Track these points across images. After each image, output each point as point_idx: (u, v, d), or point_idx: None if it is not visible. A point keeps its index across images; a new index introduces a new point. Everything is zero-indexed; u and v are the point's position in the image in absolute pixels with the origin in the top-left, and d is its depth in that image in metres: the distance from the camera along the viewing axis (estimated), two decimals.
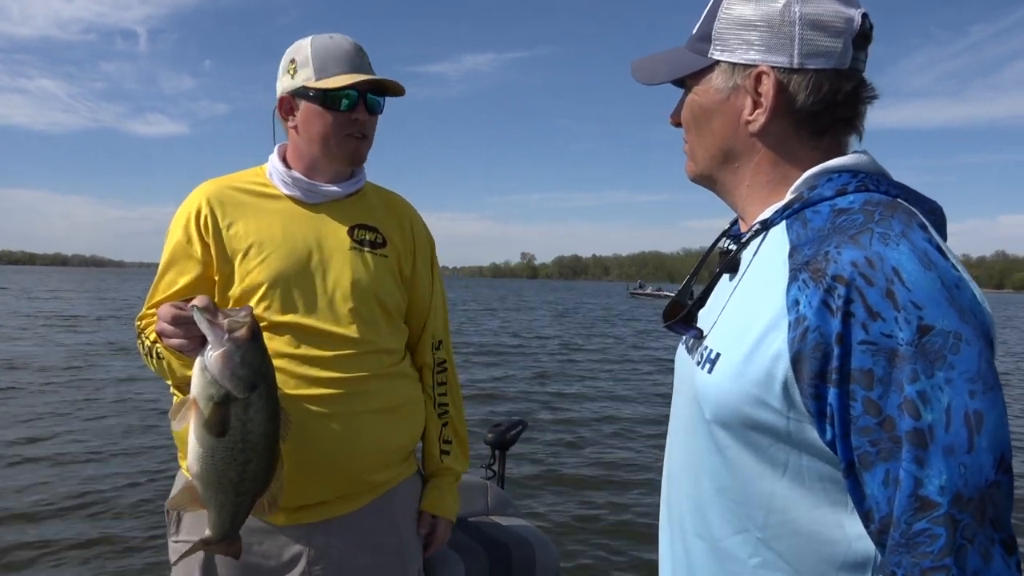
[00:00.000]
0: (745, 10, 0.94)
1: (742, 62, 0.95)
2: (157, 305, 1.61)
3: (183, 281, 1.67)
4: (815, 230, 0.88)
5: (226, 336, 1.32)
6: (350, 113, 1.69)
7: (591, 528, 5.22)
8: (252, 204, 1.72)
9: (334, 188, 1.76)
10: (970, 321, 0.77)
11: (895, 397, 0.75)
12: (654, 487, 5.79)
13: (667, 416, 1.15)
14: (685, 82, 1.05)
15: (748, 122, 0.96)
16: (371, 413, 1.68)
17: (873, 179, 0.92)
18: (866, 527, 0.80)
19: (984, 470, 0.73)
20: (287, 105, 1.75)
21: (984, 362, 0.75)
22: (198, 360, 1.35)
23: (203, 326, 1.33)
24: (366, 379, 1.68)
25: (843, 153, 0.97)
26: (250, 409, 1.35)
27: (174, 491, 1.76)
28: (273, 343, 1.58)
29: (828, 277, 0.80)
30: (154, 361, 1.62)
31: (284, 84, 1.74)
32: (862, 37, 0.93)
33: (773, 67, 0.93)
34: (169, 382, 1.67)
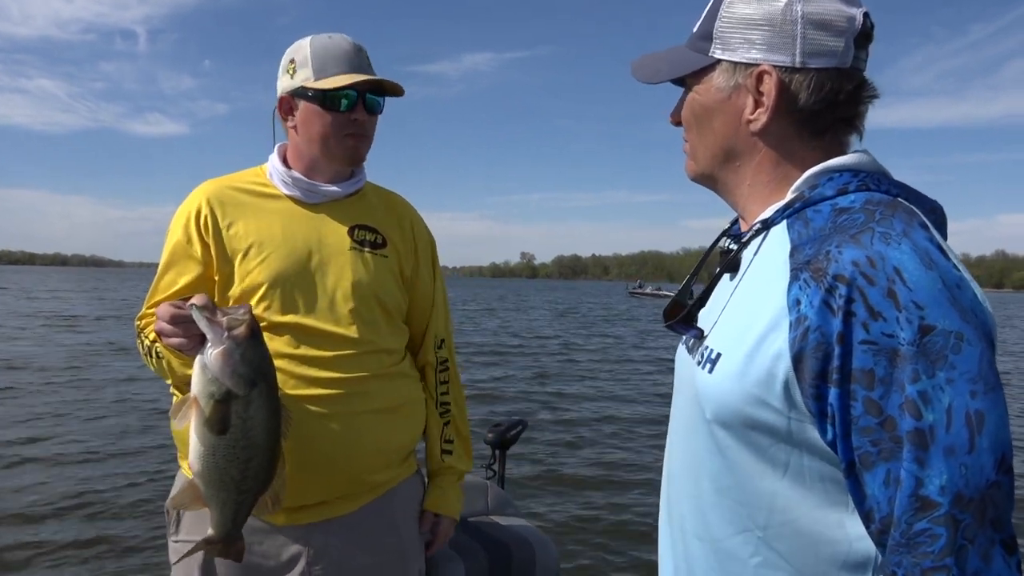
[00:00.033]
0: (747, 9, 0.94)
1: (744, 61, 0.95)
2: (157, 305, 1.60)
3: (183, 281, 1.67)
4: (816, 229, 0.88)
5: (225, 334, 1.32)
6: (349, 113, 1.69)
7: (591, 528, 5.22)
8: (252, 204, 1.72)
9: (334, 188, 1.76)
10: (971, 321, 0.77)
11: (896, 397, 0.75)
12: (654, 487, 5.79)
13: (667, 416, 1.15)
14: (685, 81, 1.04)
15: (749, 121, 0.96)
16: (371, 413, 1.68)
17: (874, 178, 0.92)
18: (866, 527, 0.80)
19: (985, 470, 0.73)
20: (287, 105, 1.75)
21: (985, 362, 0.75)
22: (198, 359, 1.34)
23: (202, 324, 1.33)
24: (366, 379, 1.68)
25: (844, 152, 0.97)
26: (251, 406, 1.35)
27: (174, 491, 1.76)
28: (273, 343, 1.58)
29: (829, 276, 0.80)
30: (153, 360, 1.62)
31: (284, 84, 1.74)
32: (863, 36, 0.93)
33: (775, 66, 0.93)
34: (169, 382, 1.67)
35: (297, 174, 1.74)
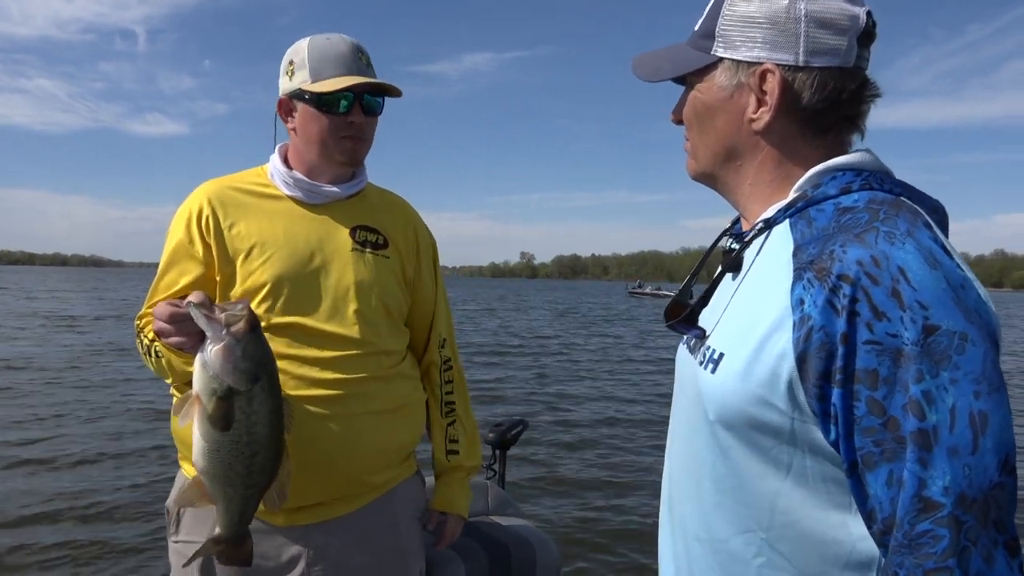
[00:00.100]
0: (750, 7, 0.94)
1: (746, 59, 0.95)
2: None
3: (184, 281, 1.67)
4: (819, 229, 0.88)
5: (224, 330, 1.31)
6: (346, 115, 1.68)
7: (591, 530, 5.20)
8: (253, 205, 1.72)
9: (335, 189, 1.75)
10: (975, 321, 0.76)
11: (900, 397, 0.75)
12: (654, 489, 5.78)
13: (667, 417, 1.15)
14: (687, 79, 1.04)
15: (752, 120, 0.96)
16: (371, 414, 1.68)
17: (877, 177, 0.92)
18: (868, 528, 0.80)
19: (988, 471, 0.73)
20: (286, 106, 1.75)
21: (989, 363, 0.75)
22: (198, 356, 1.34)
23: (201, 322, 1.32)
24: (366, 380, 1.68)
25: (846, 151, 0.97)
26: (254, 402, 1.34)
27: (174, 492, 1.76)
28: (274, 344, 1.57)
29: (833, 276, 0.79)
30: (153, 360, 1.62)
31: (283, 85, 1.74)
32: (866, 35, 0.92)
33: (778, 65, 0.92)
34: (169, 381, 1.67)
35: (299, 175, 1.74)
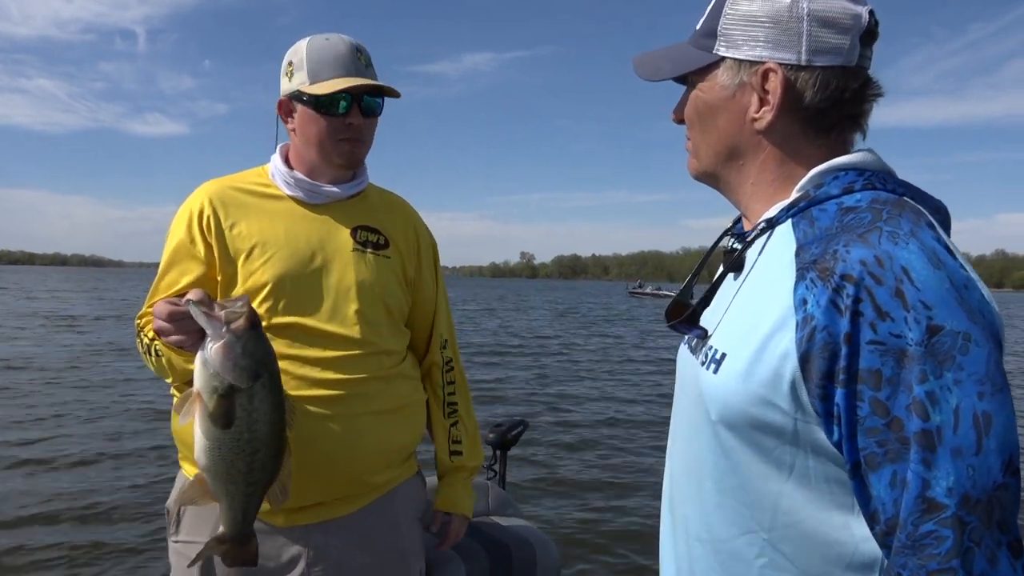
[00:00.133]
0: (752, 6, 0.94)
1: (748, 58, 0.94)
2: None
3: (185, 281, 1.66)
4: (822, 228, 0.87)
5: (224, 328, 1.31)
6: (344, 117, 1.68)
7: (591, 531, 5.19)
8: (255, 205, 1.72)
9: (336, 189, 1.75)
10: (979, 322, 0.76)
11: (903, 398, 0.75)
12: (655, 490, 5.77)
13: (668, 418, 1.15)
14: (688, 78, 1.04)
15: (754, 119, 0.95)
16: (372, 414, 1.68)
17: (879, 177, 0.92)
18: (871, 528, 0.80)
19: (992, 472, 0.73)
20: (286, 107, 1.75)
21: (993, 363, 0.75)
22: (199, 354, 1.33)
23: (200, 319, 1.31)
24: (367, 380, 1.67)
25: (848, 151, 0.97)
26: (255, 399, 1.33)
27: (174, 492, 1.76)
28: (275, 344, 1.56)
29: (836, 276, 0.79)
30: (153, 359, 1.61)
31: (283, 86, 1.74)
32: (869, 34, 0.92)
33: (780, 64, 0.92)
34: (169, 380, 1.66)
35: (300, 175, 1.74)
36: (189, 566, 1.58)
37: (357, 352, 1.67)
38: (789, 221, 0.92)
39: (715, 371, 0.92)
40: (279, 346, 1.59)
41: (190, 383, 1.37)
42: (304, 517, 1.65)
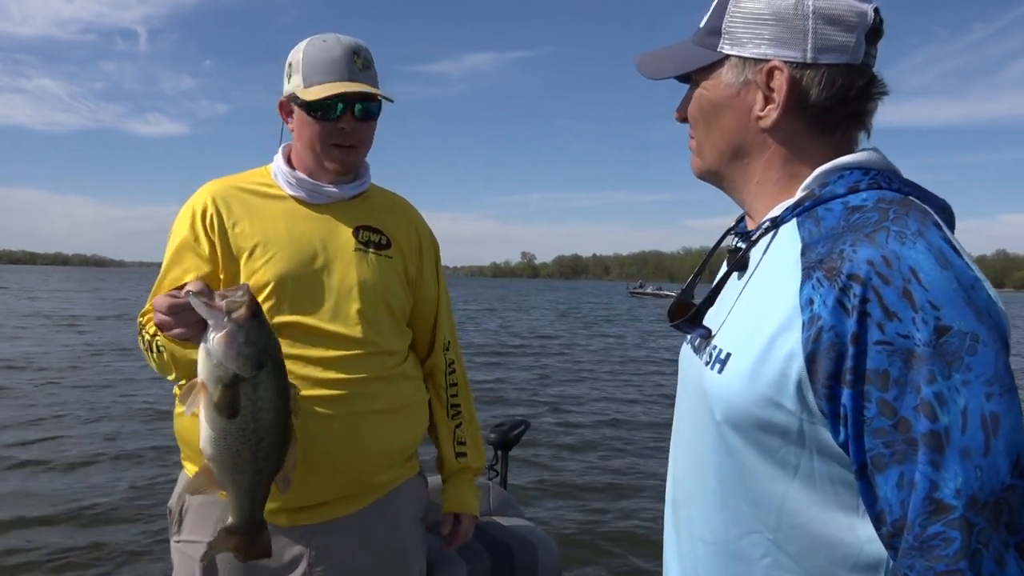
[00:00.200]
0: (757, 4, 0.93)
1: (753, 56, 0.94)
2: None
3: (188, 278, 1.66)
4: (828, 228, 0.87)
5: (226, 317, 1.30)
6: (336, 122, 1.68)
7: (592, 532, 5.18)
8: (257, 204, 1.72)
9: (337, 190, 1.75)
10: (986, 322, 0.76)
11: (911, 399, 0.74)
12: (657, 491, 5.76)
13: (671, 418, 1.14)
14: (692, 77, 1.03)
15: (759, 117, 0.95)
16: (373, 414, 1.67)
17: (884, 176, 0.91)
18: (877, 529, 0.79)
19: (1000, 473, 0.72)
20: (286, 108, 1.75)
21: (1001, 364, 0.75)
22: (202, 345, 1.32)
23: (201, 310, 1.30)
24: (368, 380, 1.67)
25: (853, 149, 0.96)
26: (259, 388, 1.32)
27: (176, 491, 1.76)
28: None
29: (843, 276, 0.79)
30: (154, 356, 1.60)
31: (285, 87, 1.74)
32: (874, 32, 0.92)
33: (786, 62, 0.92)
34: (170, 378, 1.65)
35: (301, 175, 1.74)
36: (201, 559, 1.57)
37: (359, 352, 1.67)
38: (794, 220, 0.92)
39: (720, 371, 0.92)
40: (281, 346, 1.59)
41: (192, 378, 1.36)
42: (306, 517, 1.64)
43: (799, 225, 0.90)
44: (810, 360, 0.80)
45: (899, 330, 0.75)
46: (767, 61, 0.93)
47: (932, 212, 0.86)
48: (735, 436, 0.90)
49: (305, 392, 1.59)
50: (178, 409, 1.71)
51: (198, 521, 1.67)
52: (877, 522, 0.79)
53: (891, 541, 0.77)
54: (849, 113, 0.94)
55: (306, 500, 1.62)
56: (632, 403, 10.48)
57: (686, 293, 1.13)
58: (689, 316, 1.01)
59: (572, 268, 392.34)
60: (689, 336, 1.08)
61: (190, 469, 1.73)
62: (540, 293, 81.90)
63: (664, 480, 1.13)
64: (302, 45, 1.71)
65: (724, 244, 1.11)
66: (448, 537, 1.89)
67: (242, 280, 1.65)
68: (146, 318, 1.67)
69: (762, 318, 0.87)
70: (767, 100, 0.94)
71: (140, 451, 6.81)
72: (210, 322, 1.31)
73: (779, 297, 0.85)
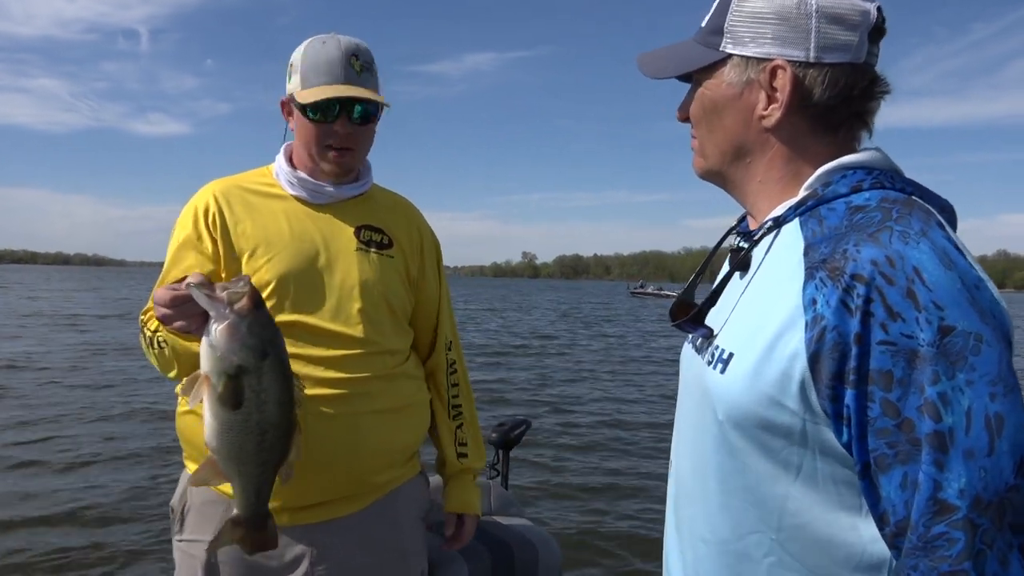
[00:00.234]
0: (759, 3, 0.93)
1: (756, 56, 0.94)
2: None
3: None
4: (831, 228, 0.87)
5: (228, 308, 1.29)
6: (331, 125, 1.67)
7: (593, 533, 5.16)
8: (259, 204, 1.72)
9: (338, 190, 1.75)
10: (990, 322, 0.75)
11: (914, 399, 0.74)
12: (658, 491, 5.76)
13: (671, 418, 1.14)
14: (694, 76, 1.03)
15: (762, 117, 0.95)
16: (375, 414, 1.67)
17: (887, 176, 0.91)
18: (880, 530, 0.79)
19: (1004, 474, 0.72)
20: (287, 108, 1.75)
21: (1004, 364, 0.74)
22: (204, 337, 1.31)
23: (203, 302, 1.29)
24: (370, 380, 1.67)
25: (856, 149, 0.96)
26: (263, 378, 1.31)
27: (178, 491, 1.76)
28: None
29: (847, 276, 0.79)
30: (156, 352, 1.60)
31: (287, 87, 1.74)
32: (877, 31, 0.92)
33: (789, 61, 0.91)
34: (172, 375, 1.64)
35: (302, 175, 1.74)
36: (207, 551, 1.56)
37: (360, 351, 1.67)
38: (797, 220, 0.92)
39: (722, 371, 0.91)
40: None
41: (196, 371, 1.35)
42: (307, 516, 1.64)
43: (802, 225, 0.90)
44: (813, 360, 0.80)
45: (903, 330, 0.75)
46: (770, 60, 0.92)
47: (935, 212, 0.86)
48: (737, 436, 0.90)
49: (306, 391, 1.59)
50: (180, 408, 1.71)
51: (200, 520, 1.67)
52: (880, 522, 0.79)
53: (894, 541, 0.77)
54: (852, 112, 0.94)
55: (308, 499, 1.62)
56: (633, 403, 10.47)
57: (687, 293, 1.13)
58: (691, 316, 1.01)
59: (573, 268, 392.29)
60: (690, 336, 1.08)
61: (192, 468, 1.73)
62: (541, 293, 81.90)
63: (665, 480, 1.13)
64: (303, 45, 1.71)
65: (726, 244, 1.10)
66: (451, 537, 1.88)
67: None
68: (148, 315, 1.67)
69: (765, 318, 0.87)
70: (770, 99, 0.94)
71: (141, 451, 6.80)
72: (212, 314, 1.30)
73: (782, 297, 0.85)
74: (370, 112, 1.71)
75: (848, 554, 0.83)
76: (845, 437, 0.79)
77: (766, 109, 0.94)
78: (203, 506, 1.67)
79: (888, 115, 0.98)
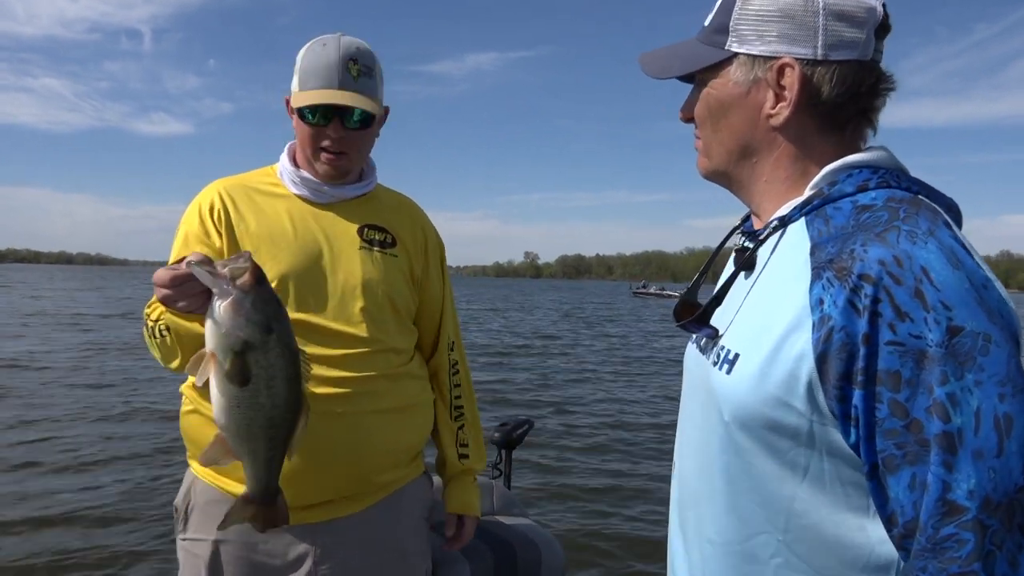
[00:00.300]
0: (765, 2, 0.93)
1: (763, 54, 0.93)
2: None
3: None
4: (837, 227, 0.86)
5: (230, 284, 1.27)
6: (325, 128, 1.67)
7: (597, 535, 5.16)
8: (263, 202, 1.72)
9: (341, 190, 1.75)
10: (998, 322, 0.75)
11: (923, 399, 0.74)
12: (660, 493, 5.75)
13: (674, 419, 1.13)
14: (697, 76, 1.02)
15: (770, 116, 0.94)
16: (379, 413, 1.67)
17: (893, 175, 0.91)
18: (888, 531, 0.79)
19: (1013, 474, 0.72)
20: (289, 107, 1.74)
21: (1013, 364, 0.74)
22: (208, 316, 1.29)
23: (205, 279, 1.28)
24: (374, 379, 1.67)
25: (861, 147, 0.96)
26: (270, 354, 1.30)
27: (182, 490, 1.75)
28: None
29: (854, 276, 0.78)
30: (158, 342, 1.58)
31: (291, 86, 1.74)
32: (882, 27, 0.92)
33: (797, 59, 0.91)
34: (174, 364, 1.61)
35: (306, 174, 1.74)
36: (219, 528, 1.54)
37: (363, 350, 1.66)
38: (802, 219, 0.91)
39: (728, 372, 0.91)
40: None
41: (199, 360, 1.34)
42: (311, 515, 1.64)
43: (808, 224, 0.90)
44: (821, 361, 0.79)
45: (911, 330, 0.74)
46: (777, 58, 0.92)
47: (942, 211, 0.85)
48: (744, 437, 0.89)
49: (310, 390, 1.59)
50: (184, 408, 1.71)
51: (204, 519, 1.67)
52: (888, 523, 0.78)
53: (903, 543, 0.77)
54: (859, 110, 0.93)
55: (311, 498, 1.62)
56: (635, 404, 10.46)
57: (691, 293, 1.12)
58: (696, 316, 1.01)
59: (575, 268, 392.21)
60: (695, 336, 1.07)
61: (196, 468, 1.73)
62: (543, 293, 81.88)
63: (668, 482, 1.12)
64: (306, 46, 1.72)
65: (729, 244, 1.10)
66: (451, 538, 1.88)
67: None
68: (151, 308, 1.66)
69: (771, 318, 0.86)
70: (778, 98, 0.93)
71: (144, 451, 6.80)
72: (215, 291, 1.28)
73: (788, 297, 0.85)
74: (367, 117, 1.70)
75: (856, 555, 0.83)
76: (853, 438, 0.79)
77: (774, 108, 0.94)
78: (207, 505, 1.67)
79: (889, 115, 0.98)
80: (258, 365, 1.29)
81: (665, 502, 1.12)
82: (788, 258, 0.90)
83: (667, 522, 1.13)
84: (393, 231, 1.79)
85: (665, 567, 1.12)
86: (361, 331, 1.67)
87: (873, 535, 0.81)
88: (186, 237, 1.68)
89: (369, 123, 1.71)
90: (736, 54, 0.95)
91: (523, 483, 5.98)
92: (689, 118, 1.06)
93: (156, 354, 1.63)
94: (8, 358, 12.32)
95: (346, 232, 1.73)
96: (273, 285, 1.61)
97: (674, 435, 1.13)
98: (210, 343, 1.29)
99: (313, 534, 1.65)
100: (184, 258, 1.31)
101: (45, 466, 6.26)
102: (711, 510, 0.96)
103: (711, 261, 1.19)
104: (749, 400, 0.87)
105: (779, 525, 0.87)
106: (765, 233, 0.96)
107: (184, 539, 1.71)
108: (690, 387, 1.08)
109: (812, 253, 0.85)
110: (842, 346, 0.77)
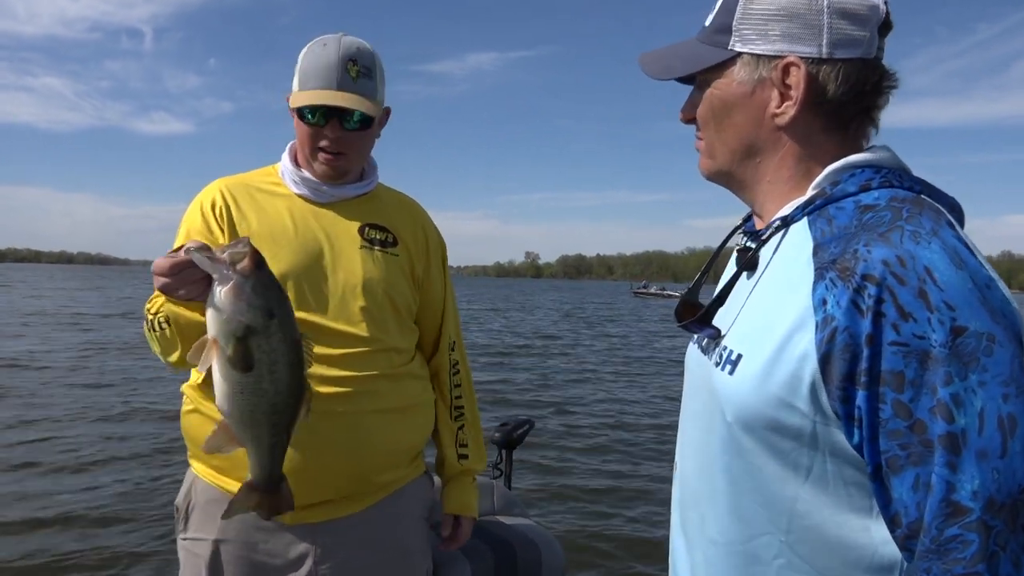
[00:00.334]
0: (769, 0, 0.92)
1: (768, 53, 0.93)
2: None
3: None
4: (840, 227, 0.86)
5: (230, 269, 1.27)
6: (322, 129, 1.67)
7: (596, 535, 5.15)
8: (264, 201, 1.72)
9: (341, 189, 1.74)
10: (1001, 322, 0.75)
11: (927, 400, 0.73)
12: (661, 493, 5.74)
13: (675, 420, 1.13)
14: (697, 77, 1.02)
15: (775, 115, 0.94)
16: (380, 413, 1.67)
17: (896, 174, 0.90)
18: (892, 532, 0.79)
19: (1017, 475, 0.71)
20: (290, 107, 1.74)
21: (1017, 365, 0.74)
22: (209, 301, 1.28)
23: (204, 265, 1.27)
24: (375, 378, 1.67)
25: (863, 146, 0.95)
26: (272, 338, 1.29)
27: (183, 490, 1.75)
28: None
29: (858, 276, 0.78)
30: (157, 335, 1.57)
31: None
32: (885, 25, 0.91)
33: (802, 57, 0.90)
34: (174, 358, 1.61)
35: (306, 173, 1.74)
36: (223, 518, 1.53)
37: (364, 349, 1.66)
38: (805, 219, 0.91)
39: (731, 372, 0.90)
40: None
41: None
42: (312, 515, 1.64)
43: (810, 224, 0.89)
44: (824, 361, 0.79)
45: (915, 331, 0.74)
46: (782, 57, 0.92)
47: (945, 211, 0.85)
48: (746, 437, 0.89)
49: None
50: (185, 407, 1.70)
51: (205, 519, 1.67)
52: (892, 524, 0.78)
53: (906, 543, 0.77)
54: (862, 108, 0.93)
55: (312, 498, 1.61)
56: (636, 404, 10.46)
57: (692, 293, 1.12)
58: (699, 316, 1.00)
59: (576, 268, 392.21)
60: (696, 336, 1.06)
61: (197, 468, 1.72)
62: (544, 293, 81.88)
63: (669, 482, 1.12)
64: (308, 45, 1.72)
65: (731, 243, 1.09)
66: (448, 538, 1.88)
67: None
68: (151, 302, 1.66)
69: (774, 318, 0.86)
70: (783, 97, 0.93)
71: (144, 451, 6.80)
72: (215, 276, 1.27)
73: (791, 297, 0.84)
74: (366, 118, 1.69)
75: (859, 556, 0.82)
76: (856, 439, 0.79)
77: (779, 107, 0.93)
78: (207, 504, 1.67)
79: (891, 115, 0.97)
80: (260, 350, 1.28)
81: (666, 503, 1.12)
82: (791, 258, 0.89)
83: (668, 523, 1.13)
84: (394, 230, 1.79)
85: (665, 568, 1.11)
86: (361, 330, 1.66)
87: (876, 536, 0.81)
88: (188, 234, 1.68)
89: (368, 124, 1.71)
90: (740, 54, 0.95)
91: (523, 483, 5.97)
92: (690, 119, 1.05)
93: (156, 348, 1.63)
94: (8, 358, 12.31)
95: (347, 231, 1.72)
96: None
97: (675, 436, 1.12)
98: (212, 329, 1.28)
99: (313, 534, 1.64)
100: (183, 246, 1.30)
101: (45, 466, 6.25)
102: (713, 511, 0.96)
103: (712, 261, 1.18)
104: (752, 401, 0.86)
105: (782, 526, 0.87)
106: (767, 233, 0.95)
107: (185, 539, 1.71)
108: (692, 388, 1.08)
109: (815, 253, 0.85)
110: (845, 347, 0.77)
